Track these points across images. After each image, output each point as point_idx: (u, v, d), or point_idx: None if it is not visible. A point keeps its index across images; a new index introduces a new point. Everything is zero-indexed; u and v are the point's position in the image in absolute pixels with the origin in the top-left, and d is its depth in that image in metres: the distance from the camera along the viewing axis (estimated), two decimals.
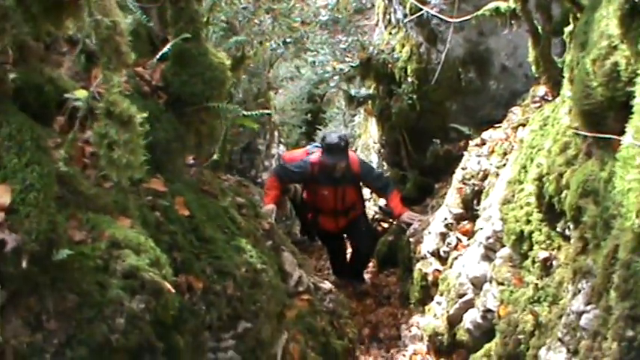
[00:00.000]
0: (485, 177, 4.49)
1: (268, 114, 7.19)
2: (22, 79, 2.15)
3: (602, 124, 2.41)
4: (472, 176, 4.60)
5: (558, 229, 3.12)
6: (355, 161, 5.96)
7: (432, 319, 4.53)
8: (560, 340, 2.71)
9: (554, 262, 3.11)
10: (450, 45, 5.38)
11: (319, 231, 6.57)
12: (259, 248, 3.21)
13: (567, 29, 3.49)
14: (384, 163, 7.66)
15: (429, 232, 5.05)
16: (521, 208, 3.43)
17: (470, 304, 3.97)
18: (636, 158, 2.04)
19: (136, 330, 1.95)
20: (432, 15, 5.37)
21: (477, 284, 3.90)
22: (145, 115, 2.06)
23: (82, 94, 2.28)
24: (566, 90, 3.06)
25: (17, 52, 1.99)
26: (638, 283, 2.03)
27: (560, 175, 2.94)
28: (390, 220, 6.91)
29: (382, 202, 7.21)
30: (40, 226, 1.77)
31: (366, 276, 6.55)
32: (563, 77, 3.14)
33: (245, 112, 3.63)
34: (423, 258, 5.03)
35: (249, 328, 2.79)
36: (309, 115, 12.07)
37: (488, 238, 3.84)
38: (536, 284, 3.18)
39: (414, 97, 6.13)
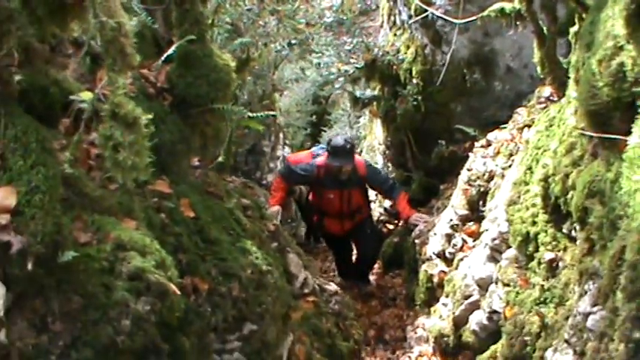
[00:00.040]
0: (490, 178, 4.48)
1: (273, 116, 7.20)
2: (28, 81, 2.15)
3: (608, 125, 2.40)
4: (478, 177, 4.59)
5: (564, 230, 3.11)
6: (361, 164, 5.95)
7: (437, 320, 4.52)
8: (566, 341, 2.70)
9: (560, 264, 3.10)
10: (455, 46, 5.37)
11: (325, 234, 6.56)
12: (265, 250, 3.21)
13: (573, 30, 3.48)
14: (389, 165, 7.65)
15: (435, 234, 5.05)
16: (527, 209, 3.42)
17: (476, 306, 3.96)
18: None
19: (141, 332, 1.95)
20: (437, 16, 5.37)
21: (483, 285, 3.89)
22: (150, 116, 2.05)
23: (87, 95, 2.28)
24: (572, 90, 3.05)
25: (22, 54, 1.98)
26: None
27: (566, 175, 2.93)
28: (396, 221, 6.91)
29: (387, 203, 7.21)
30: (45, 228, 1.77)
31: (372, 277, 6.55)
32: (568, 78, 3.12)
33: (250, 114, 3.62)
34: (429, 259, 5.02)
35: (254, 330, 2.79)
36: (314, 116, 12.09)
37: (494, 239, 3.82)
38: (542, 285, 3.17)
39: (419, 98, 6.12)
